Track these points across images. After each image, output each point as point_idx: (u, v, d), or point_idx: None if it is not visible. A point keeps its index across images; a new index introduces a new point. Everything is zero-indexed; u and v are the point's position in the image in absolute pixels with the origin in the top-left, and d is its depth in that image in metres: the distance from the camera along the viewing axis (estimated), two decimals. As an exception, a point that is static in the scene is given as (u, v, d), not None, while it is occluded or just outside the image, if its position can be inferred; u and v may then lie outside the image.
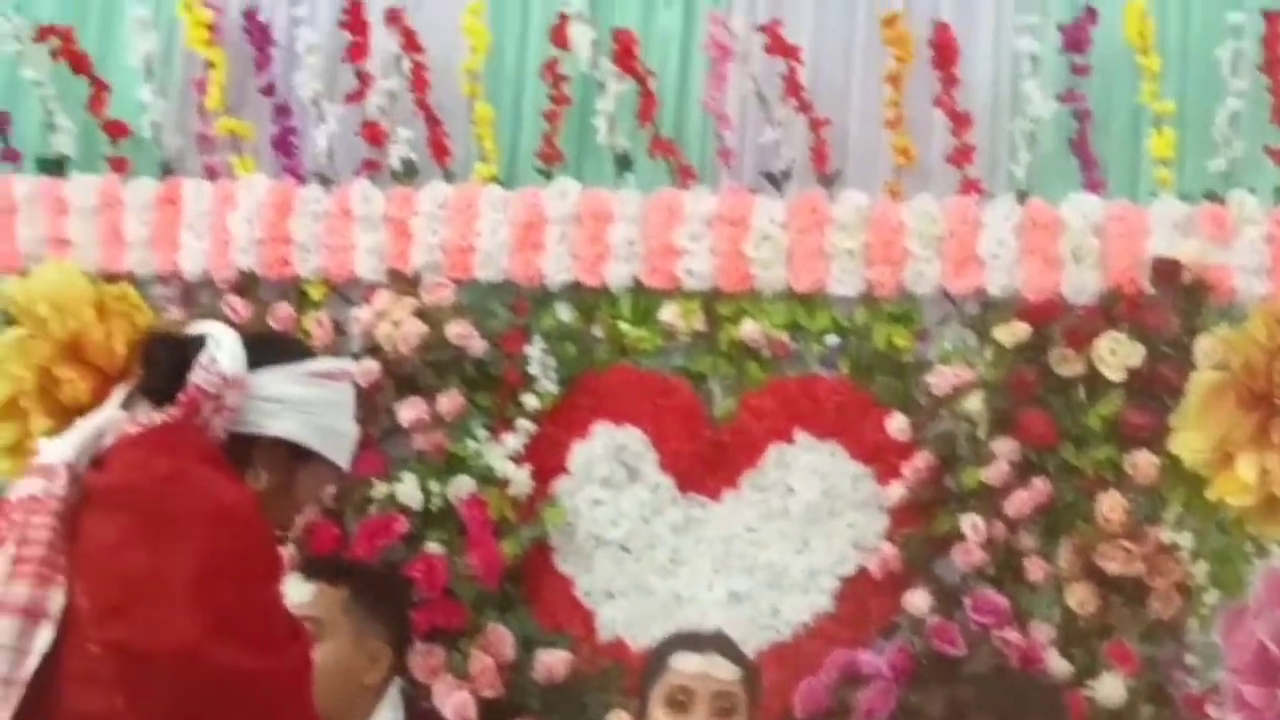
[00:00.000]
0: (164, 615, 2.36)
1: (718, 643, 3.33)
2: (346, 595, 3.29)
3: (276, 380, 2.62)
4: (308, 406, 2.63)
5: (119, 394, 2.60)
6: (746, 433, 4.06)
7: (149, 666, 2.35)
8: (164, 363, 2.60)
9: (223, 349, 2.60)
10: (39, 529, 2.44)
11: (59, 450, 2.50)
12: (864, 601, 3.99)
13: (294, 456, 2.63)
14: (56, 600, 2.41)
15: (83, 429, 2.53)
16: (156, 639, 2.35)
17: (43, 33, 4.34)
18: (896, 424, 3.97)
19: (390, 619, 3.39)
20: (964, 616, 3.87)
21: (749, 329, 4.04)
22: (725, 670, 3.24)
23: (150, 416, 2.55)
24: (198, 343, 2.60)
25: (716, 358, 4.09)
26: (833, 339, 4.05)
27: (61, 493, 2.46)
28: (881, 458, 4.00)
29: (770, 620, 4.00)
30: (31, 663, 2.38)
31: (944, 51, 4.05)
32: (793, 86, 4.07)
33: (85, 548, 2.44)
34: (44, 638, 2.39)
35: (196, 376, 2.56)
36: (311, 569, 3.38)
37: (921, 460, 3.94)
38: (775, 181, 4.11)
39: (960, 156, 4.05)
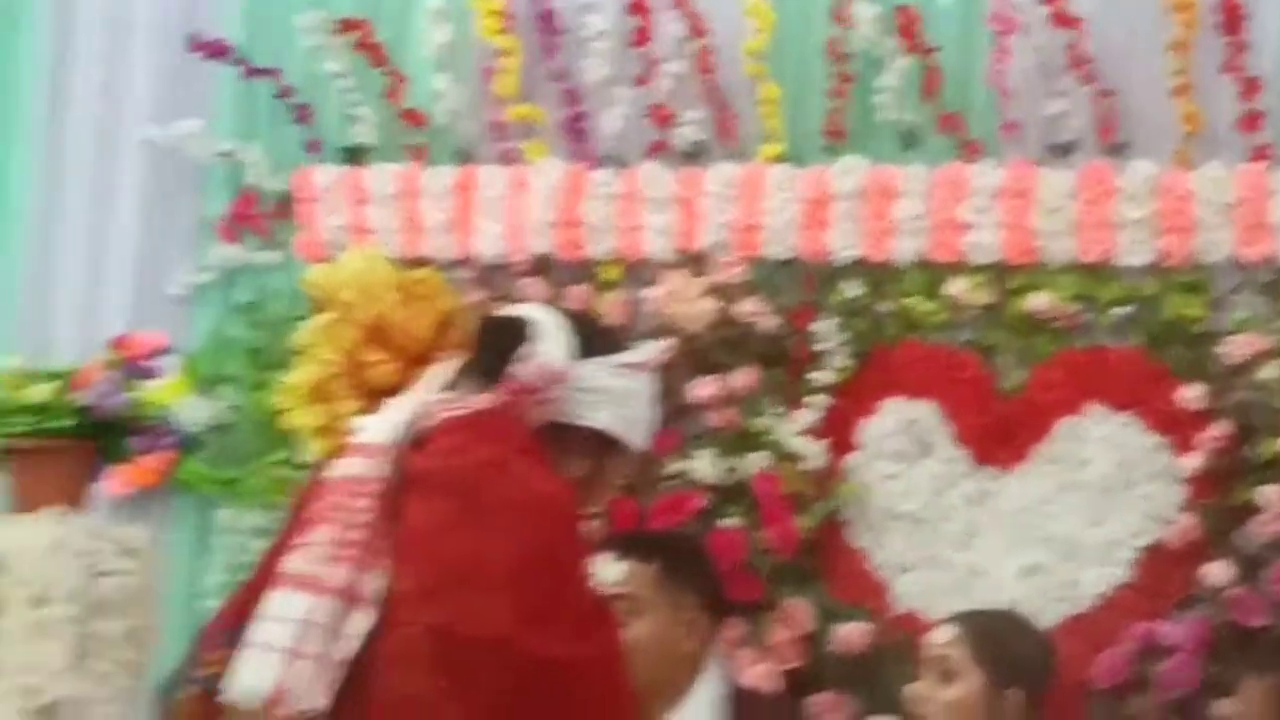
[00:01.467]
0: (482, 601, 2.45)
1: (962, 614, 3.51)
2: (659, 569, 3.45)
3: (597, 373, 2.73)
4: (622, 398, 2.75)
5: (436, 375, 2.69)
6: (1036, 405, 4.24)
7: (468, 651, 2.44)
8: (493, 343, 2.70)
9: (550, 340, 2.72)
10: (362, 511, 2.54)
11: (381, 431, 2.60)
12: (1161, 573, 4.13)
13: (604, 445, 2.75)
14: (376, 584, 2.51)
15: (403, 410, 2.62)
16: (475, 624, 2.44)
17: (342, 27, 4.64)
18: (1191, 394, 4.09)
19: (703, 587, 3.56)
20: (1265, 587, 3.99)
21: (1037, 301, 4.21)
22: (940, 634, 3.41)
23: (472, 399, 2.67)
24: (523, 327, 2.72)
25: (1005, 330, 4.28)
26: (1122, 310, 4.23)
27: (384, 474, 2.54)
28: (1176, 428, 4.13)
29: (1067, 592, 4.17)
30: (348, 645, 2.48)
31: (1231, 16, 4.14)
32: (1077, 58, 4.20)
33: (406, 530, 2.53)
34: (360, 621, 2.49)
35: (521, 368, 2.67)
36: (621, 547, 3.54)
37: (1219, 430, 4.06)
38: (1061, 153, 4.25)
39: (1249, 122, 4.15)
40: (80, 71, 4.98)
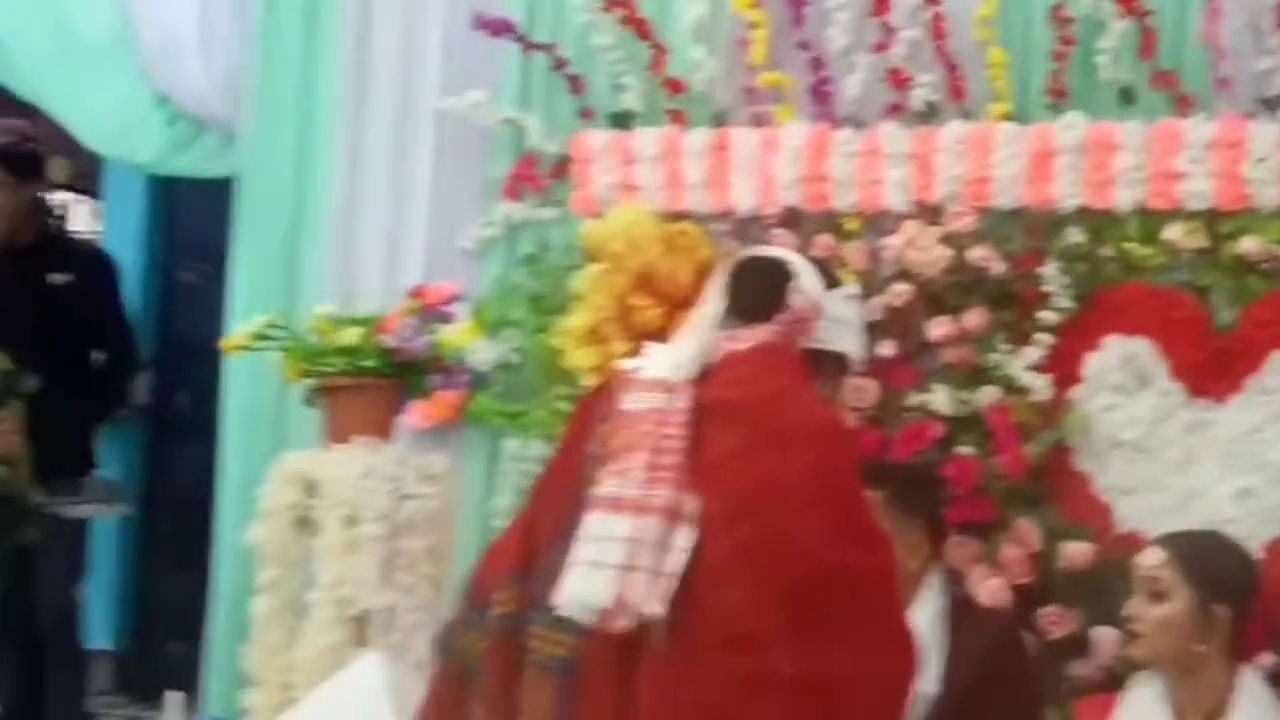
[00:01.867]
0: (786, 519, 2.63)
1: (1170, 535, 3.69)
2: (887, 495, 3.69)
3: (836, 302, 2.96)
4: (854, 324, 3.00)
5: (709, 312, 2.86)
6: (1248, 341, 4.35)
7: (776, 564, 2.61)
8: (756, 282, 2.89)
9: (806, 275, 2.91)
10: (671, 439, 2.71)
11: (672, 367, 2.78)
12: (1369, 496, 4.19)
13: (838, 367, 2.99)
14: (692, 504, 2.67)
15: (687, 347, 2.82)
16: (782, 540, 2.62)
17: (609, 4, 4.88)
18: (1395, 324, 4.11)
19: (925, 512, 3.85)
20: None
21: (1248, 244, 4.31)
22: (1149, 556, 3.61)
23: (749, 333, 2.84)
24: (784, 266, 2.91)
25: (1218, 272, 4.37)
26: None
27: (685, 405, 2.73)
28: (1381, 357, 4.17)
29: (1278, 514, 4.30)
30: (676, 558, 2.65)
31: None
32: (1284, 16, 4.22)
33: (707, 457, 2.69)
34: (685, 536, 2.66)
35: (794, 300, 2.86)
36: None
37: None
38: (1270, 106, 4.37)
39: None
40: (380, 47, 5.29)
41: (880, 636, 2.72)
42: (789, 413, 2.72)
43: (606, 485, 2.71)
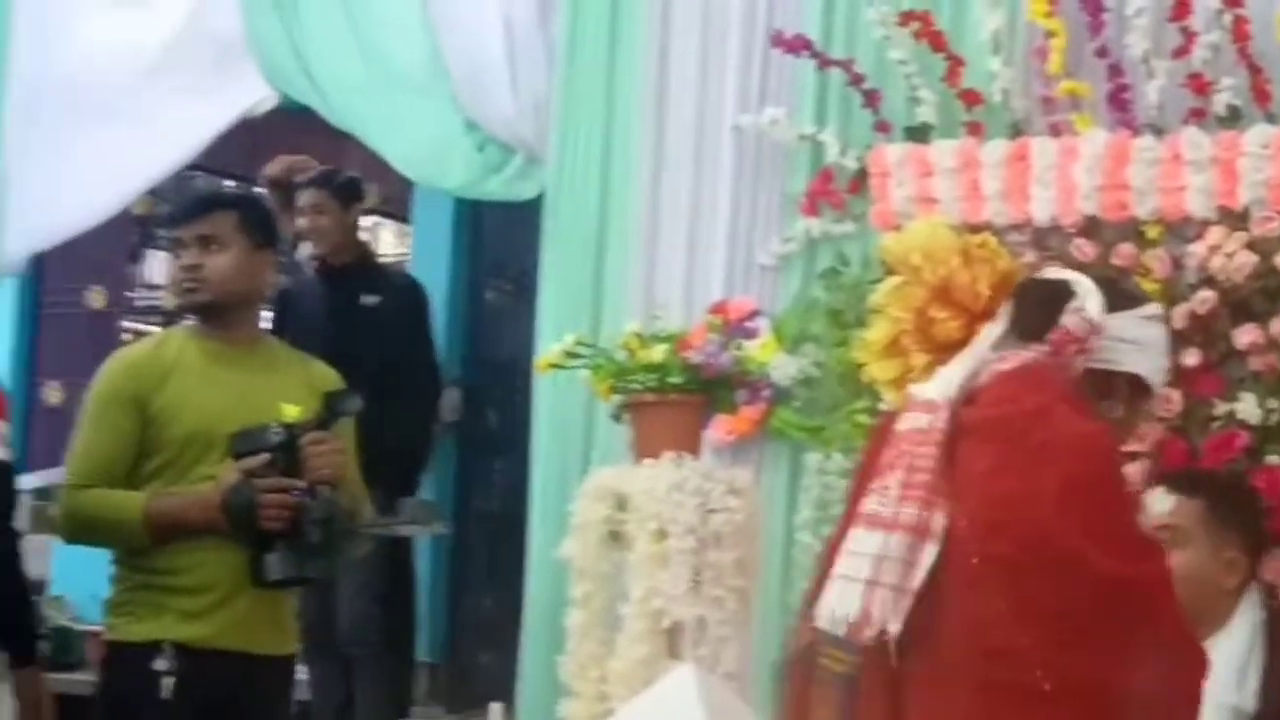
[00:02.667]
0: (1041, 532, 2.70)
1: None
2: (1203, 506, 3.75)
3: (1126, 324, 2.99)
4: (1147, 346, 3.03)
5: (988, 334, 2.95)
6: None
7: (1029, 576, 2.69)
8: (1036, 303, 2.96)
9: (1088, 297, 2.96)
10: (924, 458, 2.81)
11: (941, 388, 2.88)
12: None
13: (1134, 389, 3.04)
14: (939, 521, 2.77)
15: (959, 368, 2.91)
16: (1035, 552, 2.69)
17: (905, 18, 4.99)
18: None
19: (1245, 526, 3.86)
20: None
21: None
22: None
23: (1017, 353, 2.90)
24: (1064, 288, 2.96)
25: None
26: None
27: (943, 425, 2.82)
28: None
29: None
30: (919, 575, 2.75)
31: None
32: None
33: (962, 474, 2.78)
34: (930, 553, 2.75)
35: (1068, 320, 2.91)
36: (1171, 482, 3.86)
37: None
38: None
39: None
40: (679, 67, 5.52)
41: (1157, 645, 2.77)
42: (1045, 428, 2.79)
43: (868, 502, 2.85)
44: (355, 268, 6.41)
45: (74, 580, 6.73)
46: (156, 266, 8.47)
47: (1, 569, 4.13)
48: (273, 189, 6.66)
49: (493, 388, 7.00)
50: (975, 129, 5.03)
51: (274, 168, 6.77)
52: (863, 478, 3.00)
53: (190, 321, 4.32)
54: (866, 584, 2.76)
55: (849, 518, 2.93)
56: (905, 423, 2.88)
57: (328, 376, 4.32)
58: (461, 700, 6.64)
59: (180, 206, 4.47)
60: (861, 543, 2.81)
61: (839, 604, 2.79)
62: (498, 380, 6.92)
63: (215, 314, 4.20)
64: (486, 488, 6.98)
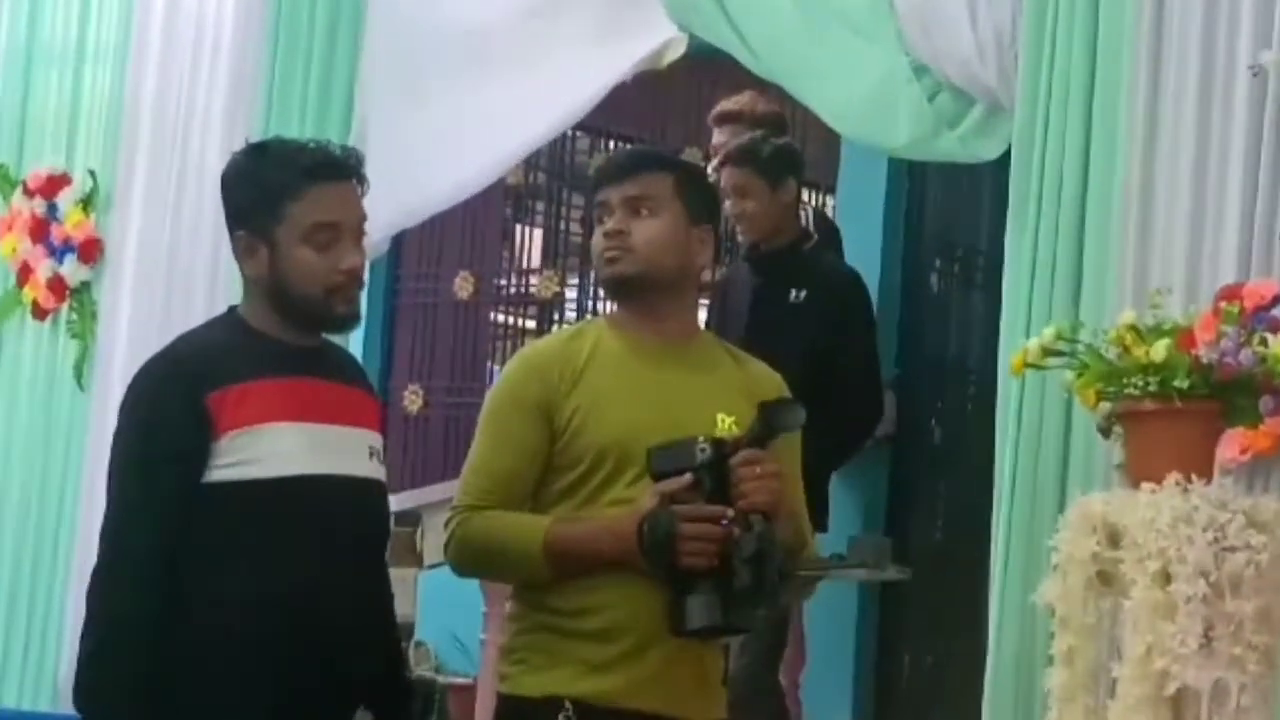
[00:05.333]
0: None
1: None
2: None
3: None
4: None
5: None
6: None
7: None
8: None
9: None
10: None
11: None
12: None
13: None
14: None
15: None
16: None
17: None
18: None
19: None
20: None
21: None
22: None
23: None
24: None
25: None
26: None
27: None
28: None
29: None
30: None
31: None
32: None
33: None
34: None
35: None
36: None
37: None
38: None
39: None
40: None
41: None
42: None
43: None
44: (786, 255, 6.24)
45: (434, 622, 6.74)
46: (532, 248, 8.49)
47: (375, 614, 4.08)
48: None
49: (935, 393, 6.84)
50: None
51: (737, 103, 6.60)
52: None
53: (608, 315, 4.31)
54: None
55: None
56: None
57: (768, 383, 4.23)
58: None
59: (609, 164, 4.42)
60: None
61: None
62: (941, 384, 6.75)
63: (642, 296, 4.14)
64: (927, 516, 6.83)
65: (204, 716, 3.82)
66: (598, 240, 4.17)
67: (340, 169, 3.98)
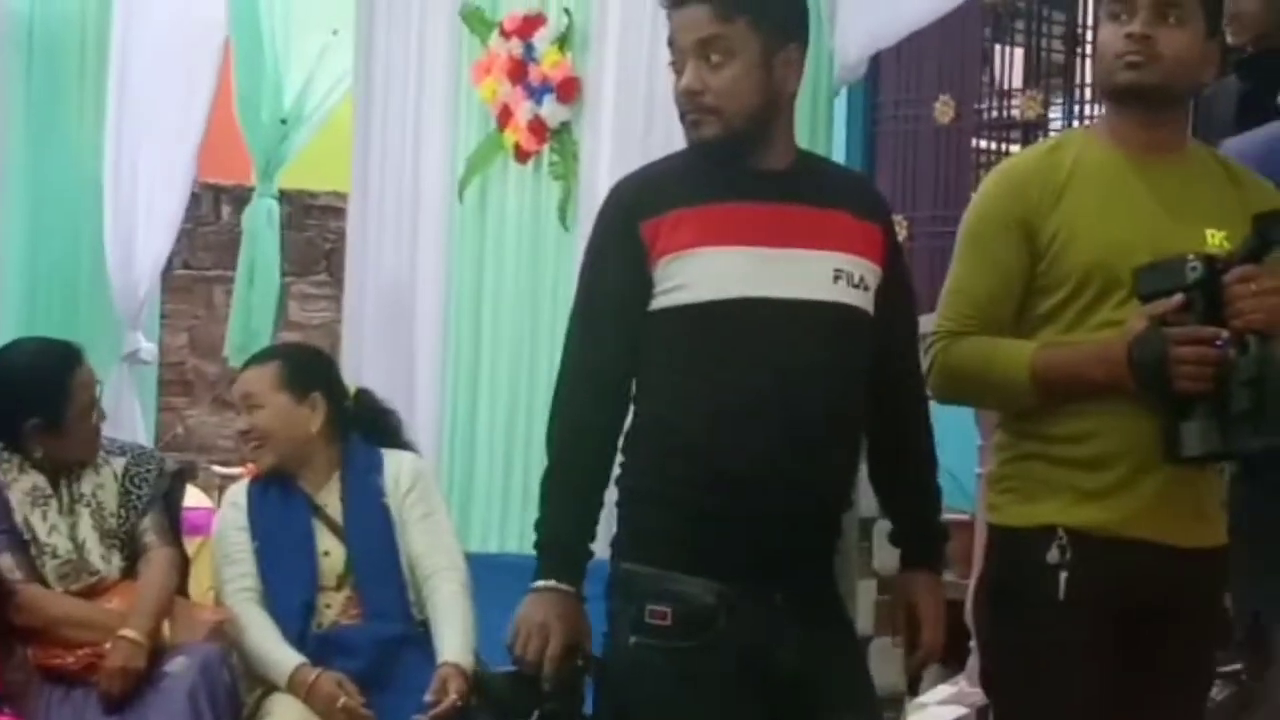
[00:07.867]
0: None
1: None
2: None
3: None
4: None
5: None
6: None
7: None
8: None
9: None
10: None
11: None
12: None
13: None
14: None
15: None
16: None
17: None
18: None
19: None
20: None
21: None
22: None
23: None
24: None
25: None
26: None
27: None
28: None
29: None
30: None
31: None
32: None
33: None
34: None
35: None
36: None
37: None
38: None
39: None
40: None
41: None
42: None
43: None
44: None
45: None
46: (1012, 69, 8.32)
47: (914, 441, 4.10)
48: None
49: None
50: None
51: None
52: None
53: (1090, 124, 4.09)
54: None
55: None
56: None
57: (1269, 194, 4.02)
58: None
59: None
60: None
61: None
62: None
63: (1146, 107, 3.96)
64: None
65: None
66: (1114, 39, 3.94)
67: None
